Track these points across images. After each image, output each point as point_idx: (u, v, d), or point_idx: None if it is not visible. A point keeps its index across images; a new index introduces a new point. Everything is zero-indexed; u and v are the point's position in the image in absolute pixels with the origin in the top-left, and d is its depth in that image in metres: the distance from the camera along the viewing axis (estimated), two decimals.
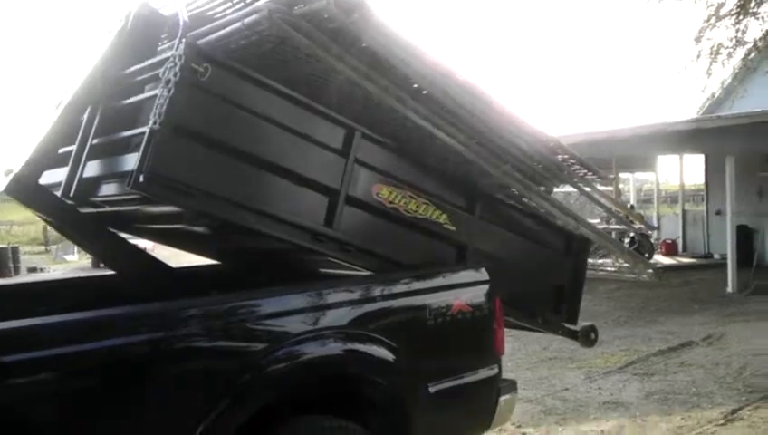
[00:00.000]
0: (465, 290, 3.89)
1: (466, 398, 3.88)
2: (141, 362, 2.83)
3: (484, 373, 3.91)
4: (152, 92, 3.29)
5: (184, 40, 3.10)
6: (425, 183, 4.02)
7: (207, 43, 3.20)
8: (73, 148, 3.79)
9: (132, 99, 3.60)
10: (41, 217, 4.13)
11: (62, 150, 3.83)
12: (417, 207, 3.92)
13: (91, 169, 3.71)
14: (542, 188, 4.47)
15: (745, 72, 17.18)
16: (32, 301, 4.05)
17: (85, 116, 3.81)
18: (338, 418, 3.31)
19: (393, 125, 3.81)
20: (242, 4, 3.46)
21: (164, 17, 3.89)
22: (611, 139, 13.87)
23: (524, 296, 4.60)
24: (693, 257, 18.89)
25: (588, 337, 4.93)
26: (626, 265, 6.59)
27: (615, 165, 17.02)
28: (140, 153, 3.05)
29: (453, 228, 4.10)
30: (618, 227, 11.76)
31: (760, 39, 15.30)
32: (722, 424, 6.04)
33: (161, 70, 3.11)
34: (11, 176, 3.76)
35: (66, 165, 3.80)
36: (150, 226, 4.56)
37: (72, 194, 3.75)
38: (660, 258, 18.58)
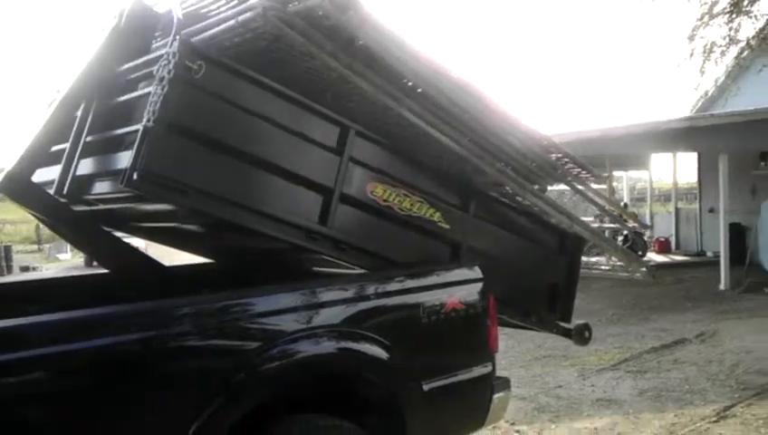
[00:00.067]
0: (458, 288, 3.89)
1: (460, 396, 3.88)
2: (134, 362, 2.82)
3: (477, 371, 3.91)
4: (146, 90, 3.28)
5: (178, 37, 3.09)
6: (419, 181, 4.02)
7: (202, 40, 3.19)
8: (67, 145, 3.78)
9: (126, 96, 3.59)
10: (33, 215, 4.11)
11: (55, 148, 3.82)
12: (411, 205, 3.92)
13: (85, 166, 3.70)
14: (536, 187, 4.47)
15: (738, 70, 17.21)
16: (24, 300, 4.03)
17: (79, 113, 3.79)
18: (332, 416, 3.31)
19: (387, 123, 3.80)
20: (236, 1, 3.45)
21: (157, 15, 3.88)
22: (605, 137, 13.89)
23: (518, 294, 4.61)
24: (686, 255, 18.93)
25: (582, 335, 4.94)
26: (619, 263, 6.62)
27: (608, 163, 17.03)
28: (134, 151, 3.03)
29: (447, 227, 4.10)
30: (611, 225, 11.79)
31: (753, 37, 15.35)
32: (715, 421, 6.06)
33: (155, 67, 3.10)
34: (3, 174, 3.75)
35: (59, 163, 3.79)
36: (144, 224, 4.55)
37: (65, 192, 3.74)
38: (653, 256, 18.62)
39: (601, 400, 6.82)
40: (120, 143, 3.44)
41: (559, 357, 8.40)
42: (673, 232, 20.51)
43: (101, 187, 3.62)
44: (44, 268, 23.83)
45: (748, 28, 15.44)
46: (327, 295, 3.41)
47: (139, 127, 3.05)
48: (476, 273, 3.97)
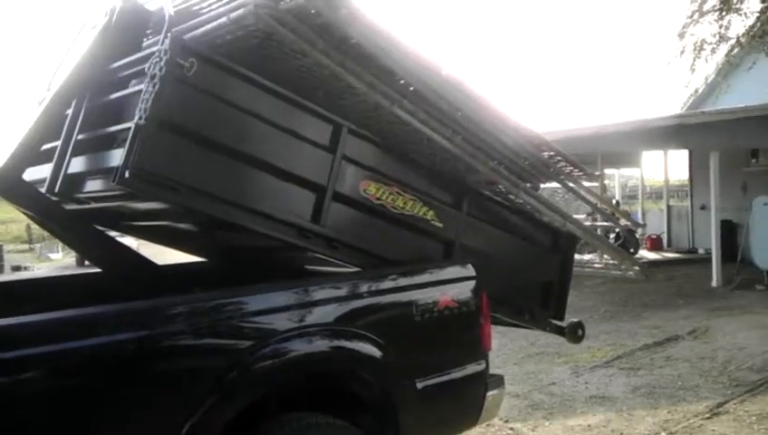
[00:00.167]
0: (451, 286, 3.89)
1: (454, 393, 3.88)
2: (126, 361, 2.80)
3: (471, 369, 3.91)
4: (138, 87, 3.27)
5: (169, 35, 3.08)
6: (412, 179, 4.01)
7: (193, 38, 3.18)
8: (58, 144, 3.76)
9: (117, 94, 3.57)
10: (25, 214, 4.09)
11: (46, 146, 3.80)
12: (404, 203, 3.92)
13: (76, 164, 3.68)
14: (529, 185, 4.47)
15: (729, 67, 17.28)
16: (16, 300, 4.01)
17: (70, 112, 3.77)
18: (325, 414, 3.30)
19: (380, 121, 3.80)
20: None
21: (149, 12, 3.86)
22: (596, 135, 13.91)
23: (512, 292, 4.61)
24: (678, 252, 18.99)
25: (575, 333, 4.95)
26: (612, 261, 6.62)
27: (600, 161, 17.08)
28: (126, 149, 3.02)
29: (440, 225, 4.10)
30: (604, 223, 11.82)
31: (743, 35, 15.42)
32: (708, 418, 6.07)
33: (147, 65, 3.09)
34: None
35: (51, 161, 3.77)
36: (136, 222, 4.53)
37: (56, 190, 3.72)
38: (645, 253, 18.68)
39: (595, 397, 6.83)
40: (112, 141, 3.42)
41: (552, 354, 8.41)
42: (665, 229, 20.57)
43: (93, 185, 3.60)
44: (36, 268, 23.76)
45: (738, 25, 15.53)
46: (320, 294, 3.40)
47: (131, 125, 3.04)
48: (469, 271, 3.97)
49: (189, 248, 5.16)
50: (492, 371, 4.08)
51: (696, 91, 18.80)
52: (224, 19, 3.12)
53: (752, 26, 15.25)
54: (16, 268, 23.12)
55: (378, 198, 3.82)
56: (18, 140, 3.74)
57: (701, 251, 17.73)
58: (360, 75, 3.46)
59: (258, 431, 3.11)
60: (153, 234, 4.92)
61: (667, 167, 21.96)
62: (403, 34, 3.51)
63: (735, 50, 16.30)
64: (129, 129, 3.07)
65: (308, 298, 3.36)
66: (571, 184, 4.87)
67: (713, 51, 15.66)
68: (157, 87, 2.99)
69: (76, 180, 3.68)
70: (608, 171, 21.80)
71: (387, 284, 3.70)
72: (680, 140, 14.63)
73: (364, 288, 3.59)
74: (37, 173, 3.85)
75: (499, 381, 4.15)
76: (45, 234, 26.94)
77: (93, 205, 3.83)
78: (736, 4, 14.93)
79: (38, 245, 29.41)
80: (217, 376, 2.94)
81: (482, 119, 4.00)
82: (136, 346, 2.84)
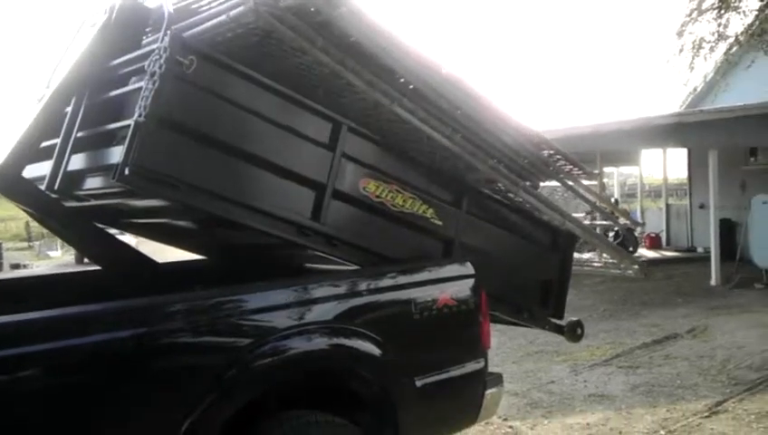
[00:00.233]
0: (450, 284, 3.89)
1: (453, 391, 3.88)
2: (126, 358, 2.80)
3: (470, 367, 3.92)
4: (137, 85, 3.27)
5: (169, 32, 3.08)
6: (412, 177, 4.02)
7: (193, 35, 3.18)
8: (57, 141, 3.76)
9: (117, 91, 3.57)
10: (24, 211, 4.09)
11: (46, 144, 3.80)
12: (403, 201, 3.92)
13: (76, 162, 3.68)
14: (528, 184, 4.47)
15: (727, 66, 17.29)
16: (15, 297, 4.01)
17: (69, 109, 3.77)
18: (324, 412, 3.30)
19: (380, 119, 3.80)
20: None
21: (148, 10, 3.87)
22: (595, 133, 13.90)
23: (511, 291, 4.61)
24: (676, 251, 18.98)
25: (574, 332, 4.95)
26: (611, 260, 6.62)
27: (599, 159, 17.08)
28: (126, 146, 3.02)
29: (439, 223, 4.10)
30: (603, 222, 11.82)
31: (741, 33, 15.41)
32: (706, 416, 6.08)
33: (146, 62, 3.09)
34: None
35: (50, 158, 3.77)
36: (135, 220, 4.53)
37: (56, 187, 3.72)
38: (644, 252, 18.68)
39: (594, 395, 6.83)
40: (112, 138, 3.42)
41: (551, 353, 8.42)
42: (664, 228, 20.57)
43: (93, 182, 3.60)
44: (35, 266, 23.73)
45: (737, 24, 15.54)
46: (319, 292, 3.41)
47: (131, 122, 3.04)
48: (468, 269, 3.97)
49: (189, 246, 5.16)
50: (491, 369, 4.09)
51: (695, 89, 18.80)
52: (223, 17, 3.12)
53: (750, 25, 15.24)
54: (15, 266, 23.10)
55: (377, 196, 3.82)
56: (18, 137, 3.74)
57: (700, 250, 17.72)
58: (360, 73, 3.46)
59: (257, 429, 3.11)
60: (153, 231, 4.92)
61: (666, 165, 22.01)
62: (403, 33, 3.52)
63: (734, 48, 16.30)
64: (128, 126, 3.07)
65: (307, 296, 3.36)
66: (570, 182, 4.87)
67: (711, 49, 15.64)
68: (156, 84, 2.99)
69: (76, 178, 3.69)
70: (607, 170, 21.81)
71: (386, 282, 3.70)
72: (679, 138, 14.63)
73: (363, 286, 3.59)
74: (37, 170, 3.85)
75: (498, 379, 4.15)
76: (44, 232, 26.93)
77: (93, 202, 3.83)
78: (735, 2, 14.92)
79: (37, 242, 29.37)
80: (216, 374, 2.94)
81: (482, 117, 4.00)
82: (135, 344, 2.84)
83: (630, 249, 15.99)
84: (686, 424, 5.90)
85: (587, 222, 9.79)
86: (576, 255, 5.58)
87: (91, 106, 3.71)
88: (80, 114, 3.73)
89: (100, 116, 3.60)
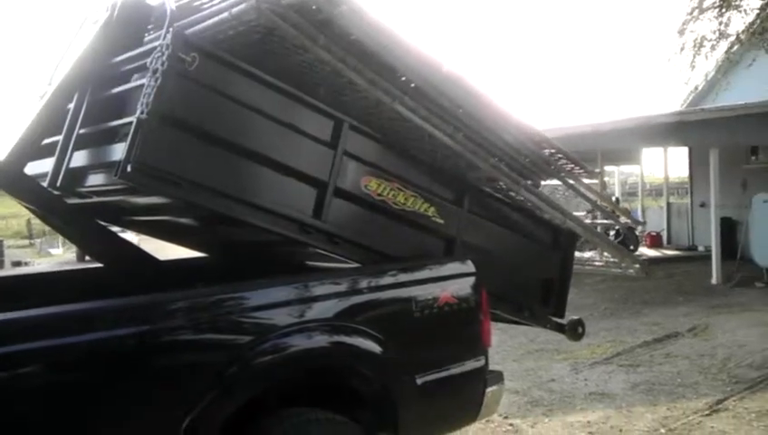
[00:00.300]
0: (451, 282, 3.89)
1: (453, 389, 3.89)
2: (127, 356, 2.81)
3: (470, 365, 3.92)
4: (139, 82, 3.27)
5: (171, 29, 3.08)
6: (413, 176, 4.02)
7: (195, 32, 3.18)
8: (60, 138, 3.77)
9: (119, 88, 3.57)
10: (26, 208, 4.10)
11: (48, 141, 3.81)
12: (405, 199, 3.92)
13: (78, 159, 3.68)
14: (530, 182, 4.48)
15: (729, 64, 17.27)
16: (17, 295, 4.01)
17: (72, 106, 3.78)
18: (325, 410, 3.31)
19: (381, 117, 3.80)
20: None
21: (150, 7, 3.87)
22: (596, 132, 13.89)
23: (512, 289, 4.62)
24: (677, 250, 18.97)
25: (575, 331, 4.95)
26: (612, 259, 6.62)
27: (600, 158, 17.06)
28: (128, 143, 3.03)
29: (441, 221, 4.10)
30: (604, 221, 11.80)
31: (743, 31, 15.41)
32: (707, 414, 6.08)
33: (149, 59, 3.09)
34: None
35: (53, 155, 3.78)
36: (137, 217, 4.53)
37: (58, 184, 3.72)
38: (645, 250, 18.67)
39: (594, 393, 6.84)
40: (114, 135, 3.43)
41: (552, 351, 8.42)
42: (664, 226, 20.56)
43: (95, 179, 3.61)
44: (36, 263, 23.74)
45: (738, 22, 15.51)
46: (320, 289, 3.41)
47: (133, 119, 3.05)
48: (469, 267, 3.98)
49: (190, 243, 5.17)
50: (491, 367, 4.09)
51: (696, 88, 18.78)
52: (225, 14, 3.12)
53: (752, 23, 15.24)
54: (17, 264, 23.12)
55: (379, 194, 3.82)
56: (20, 134, 3.74)
57: (701, 248, 17.71)
58: (361, 71, 3.46)
59: (257, 427, 3.11)
60: (154, 229, 4.93)
61: (667, 164, 21.97)
62: (404, 31, 3.52)
63: (735, 47, 16.29)
64: (131, 123, 3.08)
65: (308, 294, 3.37)
66: (571, 181, 4.87)
67: (713, 48, 15.65)
68: (159, 81, 3.00)
69: (78, 175, 3.69)
70: (607, 168, 21.79)
71: (386, 280, 3.71)
72: (680, 137, 14.62)
73: (364, 284, 3.60)
74: (39, 167, 3.86)
75: (498, 377, 4.15)
76: (46, 229, 26.98)
77: (95, 199, 3.83)
78: (736, 0, 14.91)
79: (38, 240, 29.40)
80: (217, 371, 2.95)
81: (483, 116, 4.00)
82: (136, 341, 2.85)
83: (631, 248, 16.00)
84: (687, 422, 5.90)
85: (588, 221, 9.79)
86: (577, 253, 5.58)
87: (93, 103, 3.72)
88: (82, 111, 3.73)
89: (103, 113, 3.60)
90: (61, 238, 25.64)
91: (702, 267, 14.40)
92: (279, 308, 3.22)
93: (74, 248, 21.27)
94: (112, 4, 3.77)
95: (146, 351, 2.87)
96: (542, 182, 4.88)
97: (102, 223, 4.31)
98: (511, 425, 6.01)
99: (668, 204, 21.31)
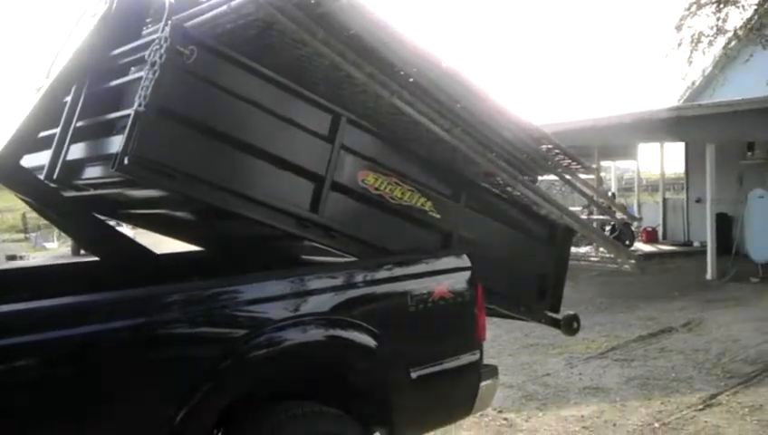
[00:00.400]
0: (446, 276, 3.90)
1: (448, 383, 3.89)
2: (122, 348, 2.82)
3: (465, 359, 3.92)
4: (137, 75, 3.27)
5: (170, 22, 3.08)
6: (411, 170, 4.02)
7: (193, 26, 3.18)
8: (57, 130, 3.77)
9: (117, 81, 3.57)
10: (23, 200, 4.10)
11: (45, 133, 3.80)
12: (402, 194, 3.92)
13: (75, 151, 3.68)
14: (527, 177, 4.48)
15: (726, 60, 17.29)
16: (12, 289, 4.01)
17: (69, 98, 3.78)
18: (320, 403, 3.32)
19: (379, 112, 3.80)
20: None
21: (148, 0, 3.87)
22: (593, 127, 13.90)
23: (508, 284, 4.62)
24: (673, 245, 19.01)
25: (570, 326, 4.95)
26: (608, 254, 6.64)
27: (597, 154, 17.08)
28: (125, 135, 3.03)
29: (438, 216, 4.10)
30: (600, 216, 11.82)
31: (740, 27, 15.43)
32: (701, 409, 6.11)
33: (147, 52, 3.09)
34: None
35: (49, 148, 3.78)
36: (134, 211, 4.53)
37: (55, 177, 3.72)
38: (641, 246, 18.71)
39: (588, 388, 6.87)
40: (111, 128, 3.43)
41: (546, 346, 8.44)
42: (660, 222, 20.60)
43: (92, 172, 3.61)
44: (31, 257, 23.71)
45: (736, 18, 15.54)
46: (315, 283, 3.42)
47: (131, 111, 3.05)
48: (464, 261, 3.98)
49: (187, 237, 5.17)
50: (486, 361, 4.10)
51: (693, 83, 18.82)
52: (224, 7, 3.12)
53: (749, 19, 15.27)
54: (11, 257, 23.07)
55: (376, 189, 3.82)
56: (17, 126, 3.74)
57: (696, 244, 17.75)
58: (360, 66, 3.46)
59: (252, 420, 3.13)
60: (151, 222, 4.93)
61: (664, 160, 22.00)
62: (403, 26, 3.52)
63: (733, 42, 16.31)
64: (128, 115, 3.08)
65: (303, 288, 3.37)
66: (568, 177, 4.88)
67: (710, 43, 15.68)
68: (157, 74, 3.00)
69: (75, 167, 3.69)
70: (604, 164, 21.85)
71: (382, 274, 3.71)
72: (677, 132, 14.64)
73: (359, 278, 3.60)
74: (36, 160, 3.86)
75: (493, 371, 4.16)
76: (41, 223, 26.91)
77: (92, 192, 3.83)
78: None
79: (33, 234, 29.34)
80: (211, 365, 2.95)
81: (481, 111, 4.00)
82: (131, 334, 2.85)
83: (627, 243, 16.04)
84: (681, 417, 5.93)
85: (584, 216, 9.81)
86: (573, 249, 5.59)
87: (90, 96, 3.71)
88: (79, 104, 3.73)
89: (100, 106, 3.60)
90: (56, 232, 25.63)
91: (697, 263, 14.45)
92: (274, 302, 3.22)
93: (69, 242, 21.27)
94: None
95: (140, 344, 2.87)
96: (539, 178, 4.88)
97: (99, 216, 4.31)
98: (505, 419, 6.03)
99: (664, 199, 21.36)
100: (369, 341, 3.45)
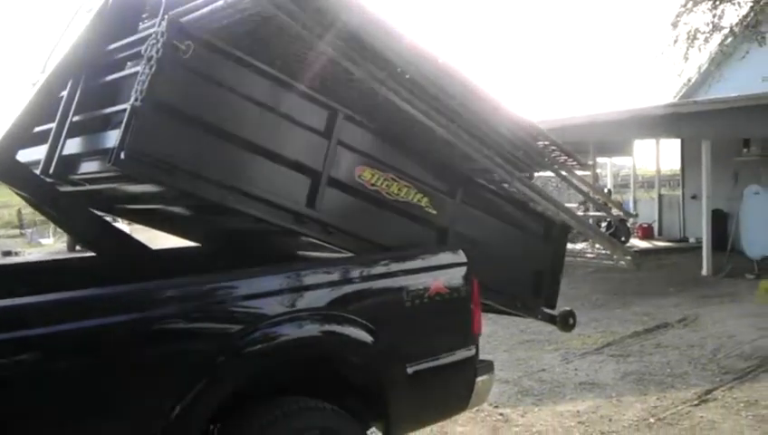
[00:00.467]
0: (442, 272, 3.90)
1: (444, 378, 3.90)
2: (118, 343, 2.82)
3: (461, 354, 3.93)
4: (134, 69, 3.26)
5: (166, 17, 3.08)
6: (407, 166, 4.02)
7: (190, 20, 3.17)
8: (53, 125, 3.76)
9: (113, 76, 3.57)
10: (18, 195, 4.09)
11: (41, 128, 3.80)
12: (398, 190, 3.93)
13: (72, 146, 3.68)
14: (523, 174, 4.48)
15: (722, 57, 17.31)
16: (8, 284, 4.00)
17: (65, 93, 3.77)
18: (315, 398, 3.32)
19: (376, 108, 3.80)
20: None
21: None
22: (589, 124, 13.92)
23: (504, 280, 4.62)
24: (669, 241, 19.04)
25: (566, 322, 4.96)
26: (604, 251, 6.66)
27: (593, 150, 17.10)
28: (122, 130, 3.03)
29: (434, 212, 4.11)
30: (596, 213, 11.84)
31: (736, 24, 15.44)
32: (696, 404, 6.12)
33: (143, 47, 3.09)
34: None
35: (45, 143, 3.77)
36: (130, 206, 4.53)
37: (51, 172, 3.71)
38: (637, 242, 18.74)
39: (584, 383, 6.88)
40: (108, 123, 3.42)
41: (542, 341, 8.45)
42: (656, 218, 20.63)
43: (88, 166, 3.60)
44: (27, 253, 23.64)
45: (731, 15, 15.55)
46: (311, 279, 3.42)
47: (127, 106, 3.05)
48: (460, 257, 3.98)
49: (183, 233, 5.16)
50: (482, 357, 4.10)
51: (689, 80, 18.84)
52: (221, 2, 3.11)
53: (745, 16, 15.28)
54: (7, 253, 22.99)
55: (373, 184, 3.82)
56: (12, 120, 3.73)
57: (692, 240, 17.78)
58: (357, 62, 3.46)
59: (248, 415, 3.13)
60: (147, 218, 4.92)
61: (659, 156, 22.03)
62: (399, 22, 3.52)
63: (729, 39, 16.32)
64: (124, 110, 3.07)
65: (299, 283, 3.37)
66: (564, 173, 4.88)
67: (706, 40, 15.68)
68: (153, 69, 2.99)
69: (71, 162, 3.68)
70: (600, 160, 21.85)
71: (378, 269, 3.71)
72: (672, 129, 14.65)
73: (355, 273, 3.60)
74: (32, 155, 3.85)
75: (489, 366, 4.17)
76: (36, 219, 26.83)
77: (88, 187, 3.83)
78: None
79: (29, 230, 29.25)
80: (207, 360, 2.95)
81: (477, 107, 4.00)
82: (127, 329, 2.85)
83: (623, 239, 16.06)
84: (676, 412, 5.95)
85: (580, 213, 9.84)
86: (569, 245, 5.60)
87: (86, 90, 3.71)
88: (75, 98, 3.72)
89: (96, 100, 3.60)
90: (51, 228, 25.56)
91: (693, 259, 14.48)
92: (270, 297, 3.23)
93: (65, 238, 21.22)
94: None
95: (136, 339, 2.87)
96: (536, 174, 4.89)
97: (95, 212, 4.31)
98: (501, 414, 6.04)
99: (660, 196, 21.38)
100: (365, 336, 3.45)
